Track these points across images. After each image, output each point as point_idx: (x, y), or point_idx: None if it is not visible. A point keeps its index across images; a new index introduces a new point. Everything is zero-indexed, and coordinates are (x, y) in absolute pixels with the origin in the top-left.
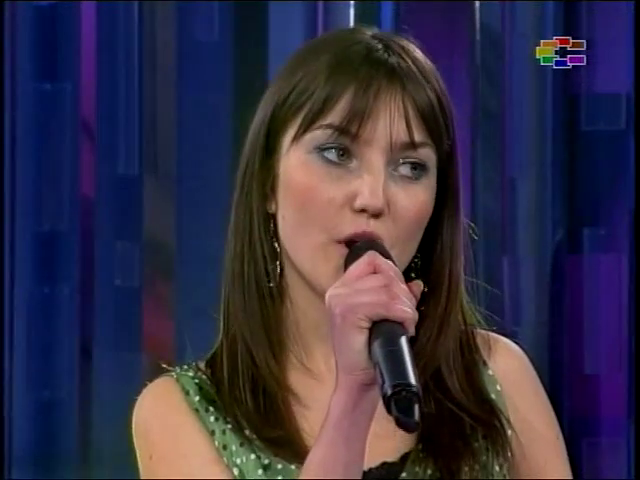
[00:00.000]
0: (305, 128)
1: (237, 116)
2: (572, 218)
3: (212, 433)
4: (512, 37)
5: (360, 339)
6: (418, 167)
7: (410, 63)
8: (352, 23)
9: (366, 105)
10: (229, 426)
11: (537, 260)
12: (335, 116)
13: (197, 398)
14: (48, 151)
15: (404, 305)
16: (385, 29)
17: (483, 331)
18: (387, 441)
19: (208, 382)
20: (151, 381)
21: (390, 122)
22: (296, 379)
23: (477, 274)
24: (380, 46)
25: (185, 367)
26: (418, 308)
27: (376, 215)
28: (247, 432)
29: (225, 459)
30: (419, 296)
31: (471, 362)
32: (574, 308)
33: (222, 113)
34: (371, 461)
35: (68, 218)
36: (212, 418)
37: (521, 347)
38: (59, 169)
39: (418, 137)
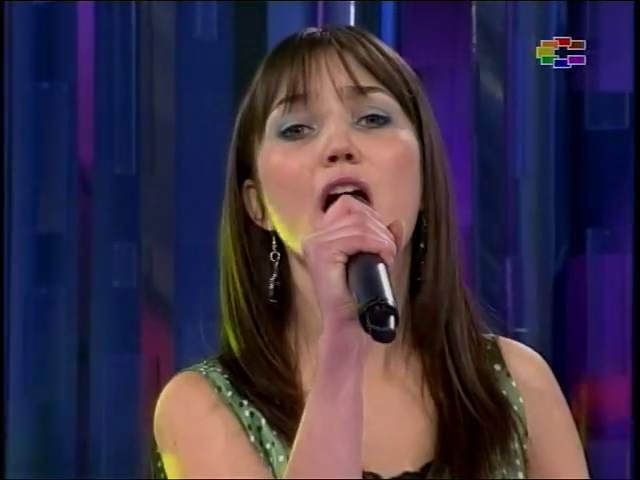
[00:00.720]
0: (262, 120)
1: (236, 116)
2: (575, 219)
3: (248, 428)
4: (514, 37)
5: (335, 272)
6: (377, 115)
7: (353, 33)
8: (352, 23)
9: (303, 68)
10: (263, 421)
11: (540, 261)
12: (282, 92)
13: (230, 394)
14: (45, 151)
15: (378, 237)
16: (385, 29)
17: (502, 337)
18: (409, 450)
19: (236, 378)
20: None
21: (331, 74)
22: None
23: (480, 275)
24: (317, 29)
25: (211, 362)
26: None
27: (349, 158)
28: (275, 432)
29: (262, 455)
30: (401, 235)
31: (491, 372)
32: (577, 309)
33: (220, 113)
34: (393, 470)
35: (65, 218)
36: (247, 413)
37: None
38: (56, 169)
39: (363, 82)
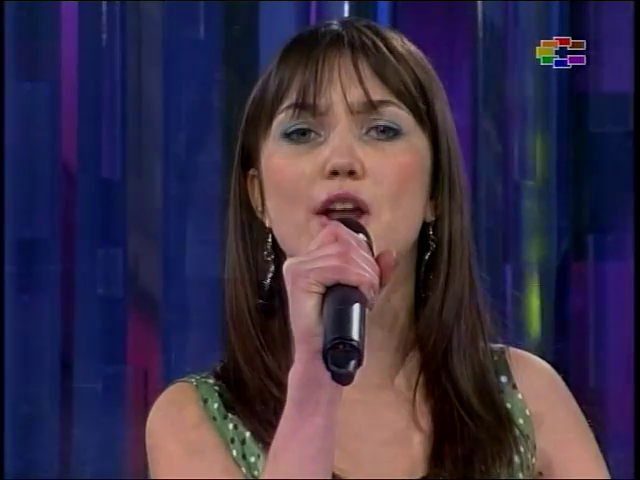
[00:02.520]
0: (269, 118)
1: (225, 117)
2: (577, 224)
3: (231, 441)
4: (516, 36)
5: (309, 303)
6: (388, 127)
7: (370, 33)
8: None
9: (316, 75)
10: (248, 434)
11: (541, 268)
12: (292, 96)
13: (216, 406)
14: (27, 154)
15: (360, 269)
16: None
17: (513, 348)
18: (404, 462)
19: (228, 389)
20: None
21: (343, 85)
22: None
23: (479, 282)
24: (337, 23)
25: (205, 374)
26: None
27: (351, 175)
28: (261, 445)
29: (244, 469)
30: (392, 264)
31: (495, 384)
32: (579, 317)
33: (210, 114)
34: None
35: (48, 223)
36: (230, 426)
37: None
38: (39, 172)
39: (376, 95)
